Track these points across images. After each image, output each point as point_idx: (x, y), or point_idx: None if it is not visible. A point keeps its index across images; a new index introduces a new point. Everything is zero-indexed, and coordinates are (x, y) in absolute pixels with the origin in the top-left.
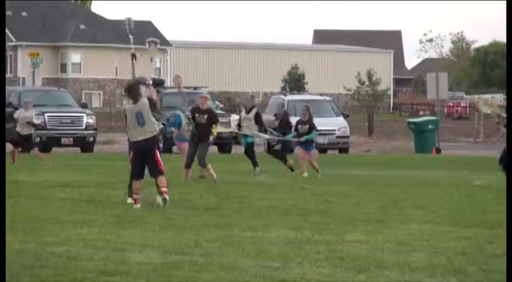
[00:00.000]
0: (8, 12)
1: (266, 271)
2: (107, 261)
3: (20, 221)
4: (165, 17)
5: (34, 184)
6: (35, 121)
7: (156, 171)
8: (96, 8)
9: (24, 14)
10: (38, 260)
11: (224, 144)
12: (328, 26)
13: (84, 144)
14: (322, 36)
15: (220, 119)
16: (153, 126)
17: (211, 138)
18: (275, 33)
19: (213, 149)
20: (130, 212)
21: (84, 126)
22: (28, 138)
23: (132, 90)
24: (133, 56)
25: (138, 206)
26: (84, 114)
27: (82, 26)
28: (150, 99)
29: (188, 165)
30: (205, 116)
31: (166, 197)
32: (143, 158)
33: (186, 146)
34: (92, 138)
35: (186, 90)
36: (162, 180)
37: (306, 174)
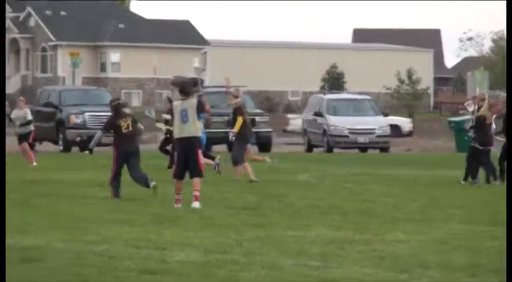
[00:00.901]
0: (47, 12)
1: (307, 270)
2: (148, 260)
3: (61, 220)
4: (204, 15)
5: (75, 183)
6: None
7: (194, 172)
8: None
9: (63, 13)
10: (79, 259)
11: (265, 144)
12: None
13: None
14: (361, 35)
15: (259, 119)
16: (196, 127)
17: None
18: (314, 32)
19: (253, 148)
20: (171, 211)
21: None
22: (25, 136)
23: (185, 86)
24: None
25: (179, 205)
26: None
27: (121, 25)
28: (201, 103)
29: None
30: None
31: (197, 204)
32: (184, 157)
33: None
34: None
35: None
36: (197, 182)
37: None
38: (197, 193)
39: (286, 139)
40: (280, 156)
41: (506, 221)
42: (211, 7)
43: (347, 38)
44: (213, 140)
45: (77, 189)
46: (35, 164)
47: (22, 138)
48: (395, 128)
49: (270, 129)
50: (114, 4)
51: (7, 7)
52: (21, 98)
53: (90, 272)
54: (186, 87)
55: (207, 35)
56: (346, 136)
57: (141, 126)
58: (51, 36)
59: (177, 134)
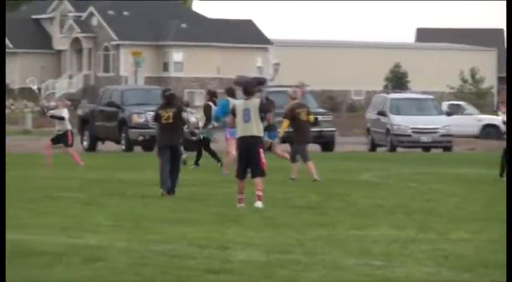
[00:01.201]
0: (110, 12)
1: (370, 270)
2: (210, 259)
3: (124, 219)
4: (266, 15)
5: (137, 183)
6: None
7: (256, 172)
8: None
9: (125, 13)
10: (142, 259)
11: (328, 143)
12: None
13: (186, 142)
14: (424, 34)
15: (322, 118)
16: (259, 127)
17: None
18: (377, 32)
19: (315, 147)
20: (233, 210)
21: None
22: (64, 135)
23: (248, 86)
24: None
25: (242, 205)
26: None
27: (184, 25)
28: (263, 103)
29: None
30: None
31: (259, 204)
32: (246, 156)
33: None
34: (194, 137)
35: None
36: (259, 182)
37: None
38: (260, 193)
39: (350, 138)
40: (343, 155)
41: (507, 220)
42: (274, 6)
43: (410, 38)
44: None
45: (140, 188)
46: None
47: (55, 138)
48: (494, 128)
49: (333, 129)
50: (177, 4)
51: (70, 6)
52: (65, 100)
53: (153, 272)
54: (249, 86)
55: (269, 34)
56: (409, 135)
57: (185, 116)
58: (114, 36)
59: (239, 133)
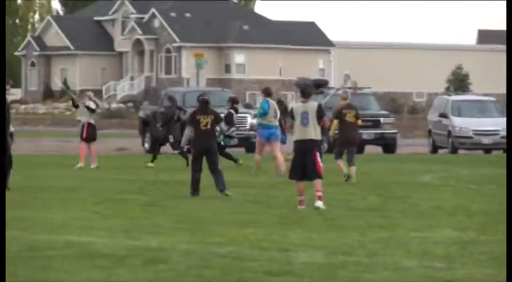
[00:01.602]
0: (172, 13)
1: (431, 271)
2: (272, 261)
3: (185, 221)
4: (329, 17)
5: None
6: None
7: (313, 175)
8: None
9: (187, 15)
10: (203, 261)
11: (389, 145)
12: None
13: (249, 144)
14: (486, 36)
15: (384, 120)
16: (316, 130)
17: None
18: (439, 34)
19: (377, 149)
20: (294, 212)
21: (248, 127)
22: (82, 127)
23: (306, 88)
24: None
25: (303, 207)
26: (248, 115)
27: (245, 27)
28: (321, 108)
29: None
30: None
31: (320, 204)
32: (303, 159)
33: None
34: (255, 139)
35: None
36: (318, 183)
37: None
38: (320, 193)
39: (411, 140)
40: (404, 157)
41: (507, 220)
42: (337, 8)
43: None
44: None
45: (201, 190)
46: (80, 165)
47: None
48: None
49: (395, 131)
50: (239, 6)
51: (131, 8)
52: (88, 93)
53: (214, 274)
54: (307, 89)
55: (332, 36)
56: (471, 137)
57: (222, 127)
58: (176, 38)
59: (297, 136)
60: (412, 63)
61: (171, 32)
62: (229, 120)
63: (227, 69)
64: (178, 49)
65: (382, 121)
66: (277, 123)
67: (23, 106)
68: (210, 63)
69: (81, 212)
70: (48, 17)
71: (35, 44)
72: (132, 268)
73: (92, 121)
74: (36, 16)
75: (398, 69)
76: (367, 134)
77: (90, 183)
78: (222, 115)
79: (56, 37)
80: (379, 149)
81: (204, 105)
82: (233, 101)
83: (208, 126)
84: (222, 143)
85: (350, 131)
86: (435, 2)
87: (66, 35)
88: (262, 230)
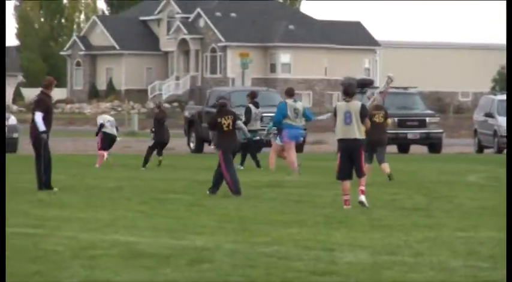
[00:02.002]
0: (217, 13)
1: (476, 271)
2: (316, 261)
3: (230, 221)
4: (375, 17)
5: (243, 184)
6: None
7: (359, 173)
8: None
9: (233, 14)
10: (248, 260)
11: (435, 145)
12: None
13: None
14: None
15: (429, 119)
16: (360, 129)
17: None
18: (485, 33)
19: (423, 148)
20: (339, 212)
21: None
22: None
23: (349, 87)
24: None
25: (349, 206)
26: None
27: (291, 27)
28: (365, 107)
29: None
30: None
31: (363, 198)
32: (348, 158)
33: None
34: (302, 139)
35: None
36: (363, 179)
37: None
38: (363, 187)
39: (457, 140)
40: (450, 157)
41: (507, 220)
42: (383, 8)
43: None
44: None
45: (246, 190)
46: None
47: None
48: None
49: (440, 130)
50: (284, 5)
51: (177, 8)
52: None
53: (259, 274)
54: (350, 88)
55: (378, 36)
56: None
57: (240, 123)
58: (221, 37)
59: (339, 135)
60: (457, 62)
61: (217, 31)
62: (247, 114)
63: (272, 68)
64: (224, 49)
65: (427, 121)
66: (301, 122)
67: (68, 106)
68: (255, 62)
69: (127, 212)
70: (94, 17)
71: (80, 44)
72: (177, 268)
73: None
74: (82, 16)
75: (443, 68)
76: (412, 133)
77: (134, 183)
78: (259, 113)
79: (101, 37)
80: (424, 149)
81: (222, 108)
82: (252, 96)
83: (230, 127)
84: (252, 137)
85: (378, 132)
86: (481, 1)
87: (111, 34)
88: (307, 230)
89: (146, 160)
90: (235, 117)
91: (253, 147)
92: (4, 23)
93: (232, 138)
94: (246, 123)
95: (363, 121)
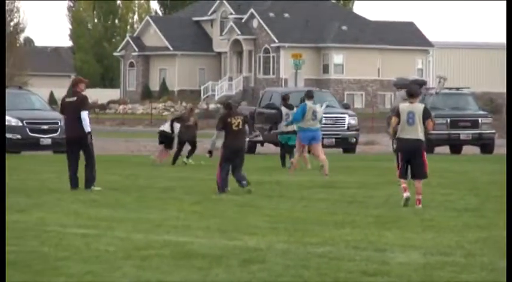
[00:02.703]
0: (271, 14)
1: None
2: (368, 261)
3: (281, 221)
4: (428, 17)
5: (295, 184)
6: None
7: (420, 174)
8: (358, 8)
9: (286, 15)
10: (300, 260)
11: (487, 145)
12: None
13: (347, 145)
14: None
15: (482, 120)
16: (422, 131)
17: None
18: None
19: (475, 149)
20: (392, 212)
21: (346, 127)
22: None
23: (413, 89)
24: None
25: (408, 194)
26: (346, 115)
27: (344, 27)
28: (427, 111)
29: None
30: None
31: (419, 207)
32: (408, 158)
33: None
34: (354, 139)
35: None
36: (419, 186)
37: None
38: (420, 197)
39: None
40: (502, 157)
41: (507, 220)
42: (436, 8)
43: None
44: (437, 141)
45: (298, 190)
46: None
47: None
48: None
49: (493, 131)
50: (337, 6)
51: (230, 8)
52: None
53: (311, 274)
54: (413, 90)
55: (431, 36)
56: None
57: (246, 127)
58: (274, 38)
59: (401, 135)
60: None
61: (270, 32)
62: (277, 117)
63: (325, 69)
64: (277, 49)
65: (480, 121)
66: (318, 125)
67: (121, 106)
68: (308, 63)
69: (178, 212)
70: (147, 18)
71: (133, 45)
72: (229, 268)
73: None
74: (135, 16)
75: (497, 69)
76: (465, 134)
77: (185, 183)
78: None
79: (154, 37)
80: (476, 149)
81: (229, 109)
82: (284, 99)
83: (240, 126)
84: (283, 141)
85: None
86: None
87: (164, 35)
88: (358, 230)
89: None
90: (245, 119)
91: (285, 149)
92: (4, 23)
93: (240, 139)
94: (276, 124)
95: (425, 122)
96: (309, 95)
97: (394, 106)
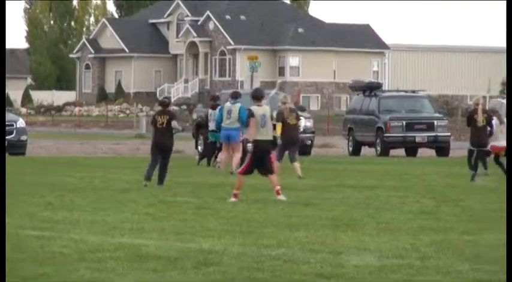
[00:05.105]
0: (227, 16)
1: (483, 275)
2: (323, 264)
3: (237, 224)
4: (384, 20)
5: (252, 187)
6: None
7: (269, 170)
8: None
9: (242, 17)
10: (255, 263)
11: (443, 148)
12: None
13: (302, 147)
14: None
15: (438, 123)
16: (271, 132)
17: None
18: (494, 36)
19: (432, 152)
20: (347, 215)
21: (301, 130)
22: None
23: (256, 93)
24: None
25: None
26: (301, 118)
27: (300, 30)
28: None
29: None
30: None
31: (281, 197)
32: (261, 157)
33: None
34: (310, 142)
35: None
36: (275, 179)
37: None
38: (278, 187)
39: (465, 143)
40: (458, 160)
41: (507, 220)
42: (392, 11)
43: None
44: (393, 143)
45: (254, 193)
46: None
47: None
48: None
49: (448, 133)
50: (293, 8)
51: (186, 11)
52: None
53: (265, 276)
54: (257, 93)
55: (387, 39)
56: None
57: (176, 125)
58: (230, 40)
59: (256, 136)
60: (466, 65)
61: (226, 34)
62: (203, 117)
63: (281, 72)
64: (233, 52)
65: (435, 124)
66: (235, 124)
67: (77, 108)
68: (264, 65)
69: (133, 214)
70: (103, 20)
71: (89, 47)
72: (184, 270)
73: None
74: (92, 19)
75: (452, 71)
76: (420, 137)
77: (141, 186)
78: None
79: (110, 39)
80: (432, 152)
81: (163, 107)
82: (213, 99)
83: (164, 125)
84: (213, 139)
85: (292, 132)
86: (490, 2)
87: (120, 37)
88: (314, 233)
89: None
90: (171, 117)
91: (210, 148)
92: (4, 23)
93: (165, 136)
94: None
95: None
96: (233, 96)
97: (278, 112)
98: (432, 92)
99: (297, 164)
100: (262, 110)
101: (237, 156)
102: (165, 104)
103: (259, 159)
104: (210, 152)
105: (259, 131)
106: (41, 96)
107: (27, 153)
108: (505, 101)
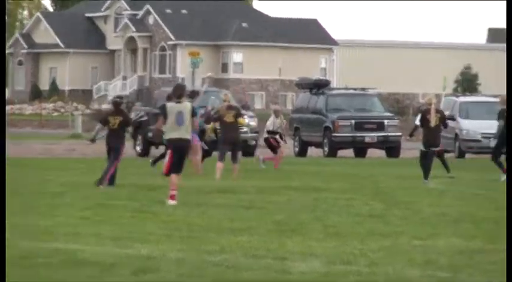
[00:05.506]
0: (168, 10)
1: (434, 281)
2: (267, 270)
3: (178, 228)
4: (332, 15)
5: (193, 189)
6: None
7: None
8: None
9: (183, 11)
10: (196, 269)
11: (393, 148)
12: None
13: (246, 147)
14: (496, 35)
15: (388, 122)
16: (190, 130)
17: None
18: (447, 32)
19: (381, 153)
20: (292, 218)
21: (245, 129)
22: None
23: (177, 90)
24: None
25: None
26: (245, 117)
27: (244, 24)
28: (194, 109)
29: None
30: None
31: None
32: (180, 156)
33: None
34: (254, 142)
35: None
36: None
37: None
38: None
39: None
40: (409, 161)
41: (507, 220)
42: (340, 5)
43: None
44: (341, 144)
45: (195, 196)
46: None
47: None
48: None
49: (399, 133)
50: (237, 2)
51: (125, 5)
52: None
53: None
54: (178, 90)
55: (335, 34)
56: (479, 141)
57: (129, 129)
58: (171, 35)
59: (171, 135)
60: (418, 62)
61: (166, 29)
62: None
63: (224, 68)
64: (174, 47)
65: (386, 123)
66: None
67: (9, 107)
68: (206, 62)
69: (68, 218)
70: (37, 13)
71: (23, 42)
72: (121, 277)
73: None
74: (25, 12)
75: (403, 69)
76: (370, 137)
77: (77, 188)
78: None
79: (45, 34)
80: (382, 153)
81: (116, 107)
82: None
83: (116, 126)
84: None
85: (231, 131)
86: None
87: (55, 32)
88: (257, 238)
89: None
90: (125, 119)
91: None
92: (4, 23)
93: (115, 137)
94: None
95: (192, 121)
96: (191, 95)
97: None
98: (382, 90)
99: (236, 166)
100: (181, 107)
101: (197, 158)
102: (117, 103)
103: (177, 157)
104: (211, 151)
105: (174, 128)
106: None
107: None
108: (458, 99)
